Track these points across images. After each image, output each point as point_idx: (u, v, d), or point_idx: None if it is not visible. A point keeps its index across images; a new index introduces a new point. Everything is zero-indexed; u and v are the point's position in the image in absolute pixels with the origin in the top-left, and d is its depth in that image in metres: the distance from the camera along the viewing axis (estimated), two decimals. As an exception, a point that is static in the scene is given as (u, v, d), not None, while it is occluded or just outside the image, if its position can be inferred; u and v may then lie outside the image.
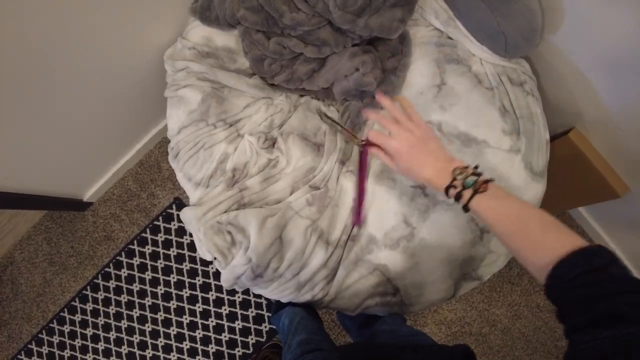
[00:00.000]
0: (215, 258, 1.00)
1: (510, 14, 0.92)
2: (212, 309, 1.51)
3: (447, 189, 0.60)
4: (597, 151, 1.19)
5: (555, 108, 1.25)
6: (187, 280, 1.53)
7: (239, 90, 1.07)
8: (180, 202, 1.56)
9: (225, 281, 1.03)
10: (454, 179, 0.60)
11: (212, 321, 1.51)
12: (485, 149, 0.99)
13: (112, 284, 1.55)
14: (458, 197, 0.59)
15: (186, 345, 1.52)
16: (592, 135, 1.19)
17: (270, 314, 1.49)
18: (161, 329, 1.53)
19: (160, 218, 1.56)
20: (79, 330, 1.56)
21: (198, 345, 1.51)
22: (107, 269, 1.56)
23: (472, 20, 1.00)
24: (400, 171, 0.67)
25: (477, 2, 0.95)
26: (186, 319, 1.52)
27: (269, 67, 1.04)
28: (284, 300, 1.05)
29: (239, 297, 1.51)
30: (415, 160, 0.64)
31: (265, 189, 1.04)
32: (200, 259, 1.54)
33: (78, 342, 1.55)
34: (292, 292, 1.02)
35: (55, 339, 1.57)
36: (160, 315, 1.53)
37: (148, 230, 1.56)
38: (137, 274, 1.55)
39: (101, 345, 1.55)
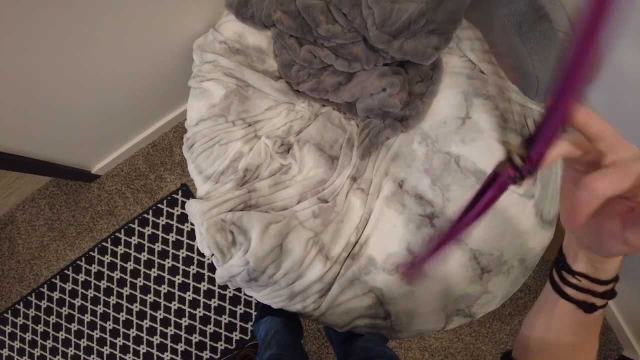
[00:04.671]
0: (213, 254, 1.00)
1: (547, 58, 0.91)
2: (202, 300, 1.52)
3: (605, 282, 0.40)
4: (610, 206, 1.17)
5: (575, 156, 1.23)
6: (181, 267, 1.53)
7: (263, 92, 1.06)
8: (187, 189, 1.57)
9: (220, 278, 1.03)
10: (614, 283, 0.42)
11: (199, 311, 1.51)
12: (500, 190, 0.97)
13: (107, 259, 1.56)
14: (595, 294, 0.39)
15: (170, 330, 1.52)
16: (609, 189, 1.17)
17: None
18: (148, 311, 1.53)
19: (165, 202, 1.56)
20: (67, 298, 1.57)
21: (182, 333, 1.51)
22: (104, 244, 1.57)
23: (507, 58, 0.98)
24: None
25: (515, 41, 0.94)
26: (174, 305, 1.52)
27: (296, 73, 1.04)
28: (274, 306, 1.05)
29: (229, 292, 1.51)
30: None
31: (274, 194, 1.04)
32: (198, 248, 1.54)
33: (65, 310, 1.56)
34: (283, 300, 1.01)
35: (44, 304, 1.58)
36: (150, 298, 1.53)
37: (151, 212, 1.56)
38: (133, 253, 1.55)
39: (87, 317, 1.55)
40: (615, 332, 1.51)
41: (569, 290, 0.38)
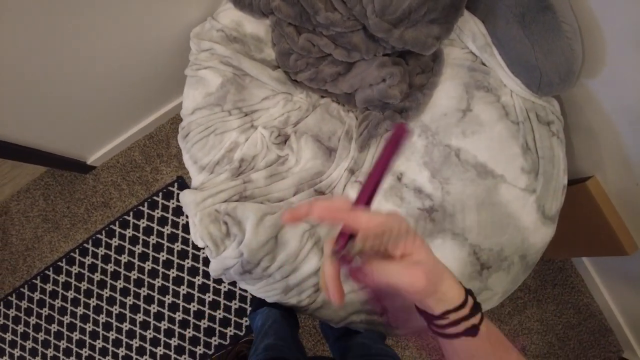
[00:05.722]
0: (206, 246, 0.98)
1: (550, 51, 0.89)
2: (196, 294, 1.50)
3: (461, 305, 0.40)
4: (612, 205, 1.15)
5: (578, 152, 1.21)
6: (176, 260, 1.51)
7: (260, 81, 1.04)
8: (183, 182, 1.55)
9: (213, 271, 1.02)
10: (469, 296, 0.42)
11: (193, 306, 1.49)
12: (501, 184, 0.96)
13: (101, 251, 1.54)
14: (468, 317, 0.40)
15: (164, 325, 1.50)
16: (611, 187, 1.15)
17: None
18: (142, 305, 1.51)
19: (160, 194, 1.54)
20: (60, 291, 1.54)
21: (176, 327, 1.49)
22: (98, 236, 1.55)
23: (509, 50, 0.96)
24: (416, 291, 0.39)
25: (518, 33, 0.92)
26: (168, 299, 1.50)
27: (294, 62, 1.02)
28: (269, 300, 1.03)
29: (224, 286, 1.49)
30: (436, 265, 0.41)
31: (270, 185, 1.02)
32: (193, 242, 1.51)
33: (57, 303, 1.54)
34: (278, 294, 0.99)
35: (36, 296, 1.56)
36: (144, 291, 1.51)
37: (146, 204, 1.54)
38: (127, 246, 1.53)
39: (80, 310, 1.53)
40: (615, 334, 1.49)
41: (450, 330, 0.41)
